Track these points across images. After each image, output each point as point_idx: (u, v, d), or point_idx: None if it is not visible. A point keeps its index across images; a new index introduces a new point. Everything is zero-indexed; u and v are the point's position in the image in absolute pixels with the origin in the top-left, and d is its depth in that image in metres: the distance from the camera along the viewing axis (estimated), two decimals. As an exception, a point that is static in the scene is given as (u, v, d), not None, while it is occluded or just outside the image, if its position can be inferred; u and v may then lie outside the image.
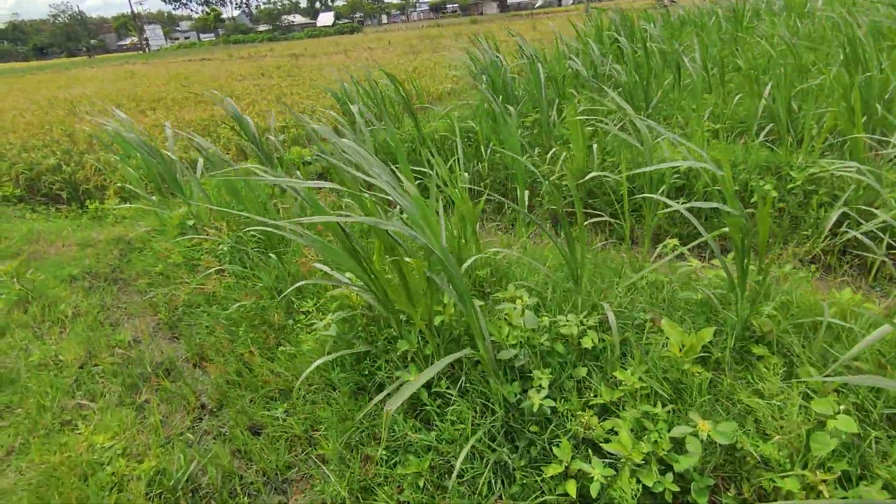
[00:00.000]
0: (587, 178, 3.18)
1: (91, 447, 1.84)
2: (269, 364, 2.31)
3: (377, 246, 1.93)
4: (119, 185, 4.99)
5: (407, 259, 1.93)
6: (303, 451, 1.96)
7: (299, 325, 2.38)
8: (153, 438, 1.98)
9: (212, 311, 2.84)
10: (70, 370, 2.38)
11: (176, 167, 3.31)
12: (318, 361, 1.87)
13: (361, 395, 2.03)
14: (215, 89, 11.09)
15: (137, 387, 2.39)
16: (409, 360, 1.94)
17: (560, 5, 71.11)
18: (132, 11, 58.82)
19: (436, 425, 1.78)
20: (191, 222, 3.35)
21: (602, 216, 3.17)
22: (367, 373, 2.04)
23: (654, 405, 1.60)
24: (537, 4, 75.00)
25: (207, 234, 3.14)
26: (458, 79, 9.48)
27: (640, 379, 1.63)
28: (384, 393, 1.83)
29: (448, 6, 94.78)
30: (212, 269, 2.91)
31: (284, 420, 2.06)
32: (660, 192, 2.93)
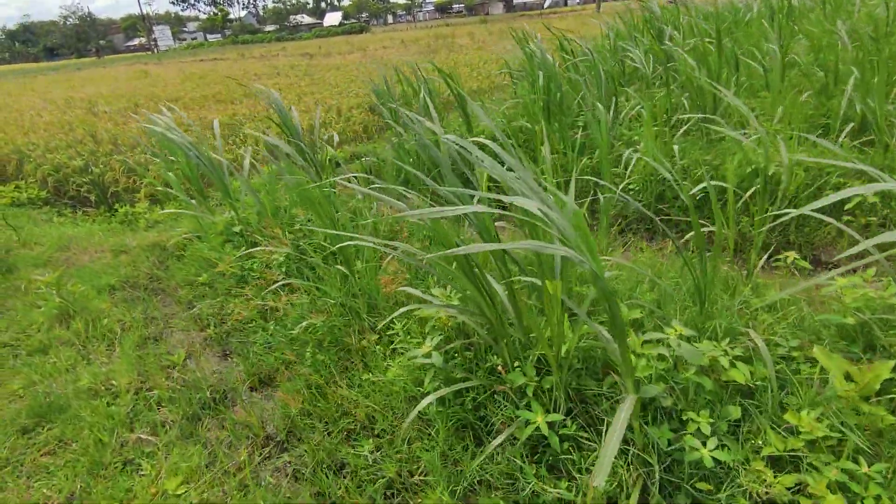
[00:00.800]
0: (696, 187, 2.91)
1: (162, 494, 1.60)
2: (348, 391, 2.06)
3: (481, 262, 1.68)
4: (151, 187, 4.76)
5: (525, 279, 1.67)
6: (400, 499, 1.70)
7: (380, 348, 2.13)
8: (228, 482, 1.74)
9: (268, 327, 2.60)
10: (124, 398, 2.14)
11: (224, 169, 3.07)
12: (429, 399, 1.61)
13: (465, 434, 1.77)
14: (234, 88, 10.89)
15: (198, 416, 2.14)
16: (525, 394, 1.68)
17: (566, 5, 70.68)
18: (141, 12, 59.07)
19: (568, 473, 1.53)
20: (237, 228, 3.12)
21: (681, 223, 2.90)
22: (470, 407, 1.79)
23: (846, 458, 1.34)
24: (546, 4, 74.59)
25: (267, 245, 2.89)
26: (487, 77, 9.21)
27: (827, 426, 1.37)
28: (504, 435, 1.57)
29: (454, 6, 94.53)
30: (277, 283, 2.66)
31: (373, 460, 1.81)
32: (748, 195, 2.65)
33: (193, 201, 3.49)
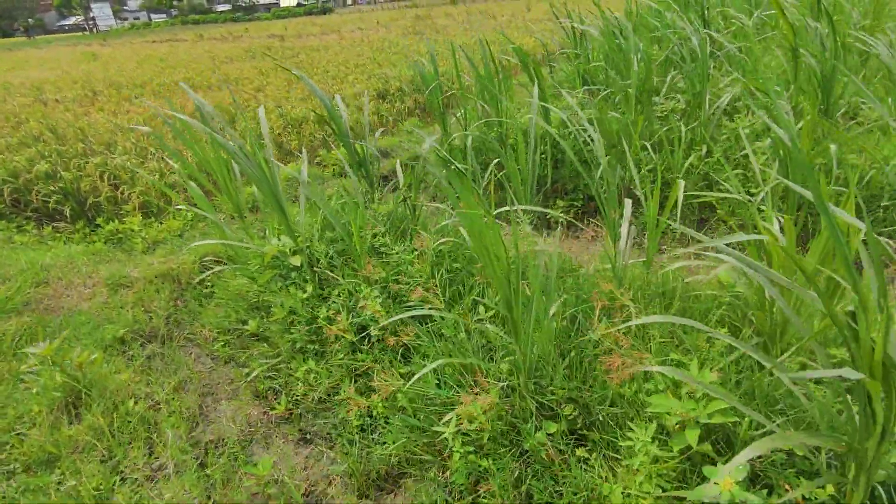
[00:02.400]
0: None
1: None
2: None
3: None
4: (143, 196, 3.84)
5: None
6: None
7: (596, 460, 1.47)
8: None
9: (374, 405, 1.88)
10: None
11: (276, 176, 2.28)
12: None
13: None
14: (206, 73, 9.71)
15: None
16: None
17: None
18: (76, -12, 53.85)
19: None
20: (296, 260, 2.35)
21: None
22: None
23: None
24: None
25: (349, 286, 2.14)
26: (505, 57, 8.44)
27: None
28: None
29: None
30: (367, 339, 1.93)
31: None
32: None
33: (221, 218, 2.66)
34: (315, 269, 2.33)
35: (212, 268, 3.03)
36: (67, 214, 3.90)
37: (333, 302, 2.20)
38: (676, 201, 1.91)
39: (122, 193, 3.87)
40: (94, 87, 8.91)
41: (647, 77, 3.37)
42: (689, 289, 1.94)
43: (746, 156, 3.06)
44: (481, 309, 1.93)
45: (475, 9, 21.71)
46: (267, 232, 2.75)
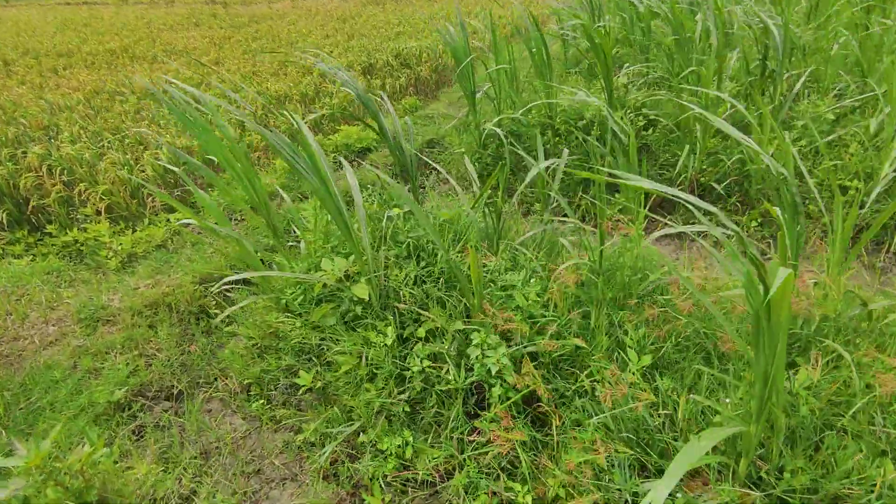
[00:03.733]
0: None
1: None
2: None
3: None
4: (108, 197, 3.04)
5: None
6: None
7: None
8: None
9: (521, 497, 1.40)
10: None
11: (329, 176, 1.66)
12: None
13: None
14: (145, 43, 8.44)
15: None
16: None
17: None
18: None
19: None
20: (362, 292, 1.77)
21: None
22: None
23: None
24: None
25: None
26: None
27: None
28: None
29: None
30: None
31: None
32: None
33: (236, 230, 2.01)
34: (393, 304, 1.77)
35: (228, 295, 2.38)
36: (3, 220, 3.03)
37: (420, 349, 1.66)
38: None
39: (78, 193, 3.04)
40: (3, 57, 7.47)
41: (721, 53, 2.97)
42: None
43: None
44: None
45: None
46: (304, 248, 2.13)
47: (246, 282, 2.37)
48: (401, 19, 10.01)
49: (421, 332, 1.73)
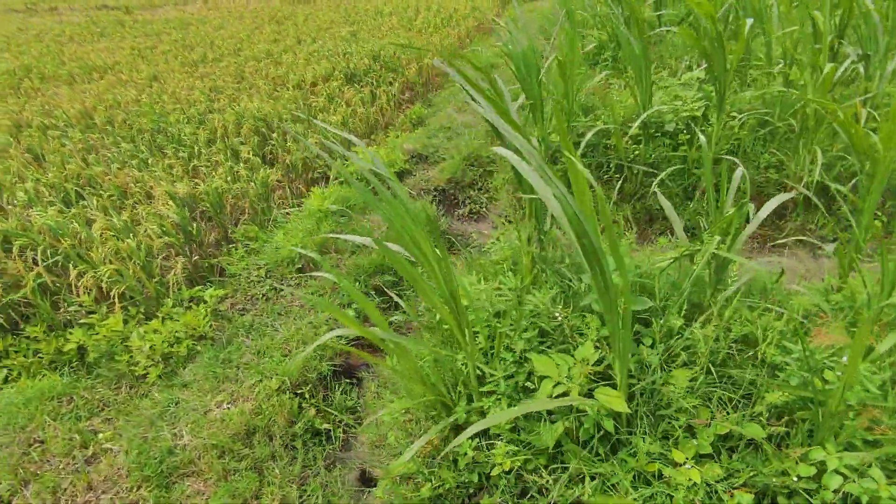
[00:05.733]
0: None
1: None
2: None
3: None
4: (111, 281, 2.27)
5: None
6: None
7: None
8: None
9: None
10: None
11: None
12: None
13: None
14: (48, 59, 7.04)
15: None
16: None
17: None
18: None
19: None
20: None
21: None
22: None
23: None
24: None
25: None
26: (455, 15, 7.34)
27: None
28: None
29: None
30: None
31: None
32: None
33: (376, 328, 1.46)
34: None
35: (327, 394, 1.81)
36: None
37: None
38: None
39: (67, 279, 2.24)
40: None
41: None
42: None
43: None
44: None
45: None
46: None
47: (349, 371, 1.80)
48: (345, 17, 9.27)
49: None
